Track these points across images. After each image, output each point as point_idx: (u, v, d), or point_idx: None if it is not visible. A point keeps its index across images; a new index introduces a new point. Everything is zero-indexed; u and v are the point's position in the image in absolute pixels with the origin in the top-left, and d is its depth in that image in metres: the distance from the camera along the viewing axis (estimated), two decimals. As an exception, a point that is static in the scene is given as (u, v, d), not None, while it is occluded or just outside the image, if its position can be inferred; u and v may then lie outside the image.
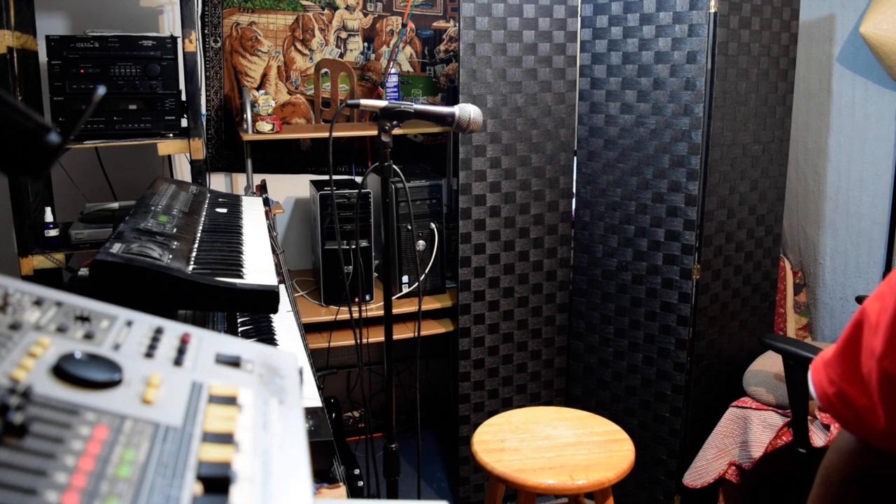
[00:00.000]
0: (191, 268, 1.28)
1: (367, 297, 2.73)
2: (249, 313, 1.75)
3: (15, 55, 2.08)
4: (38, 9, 2.45)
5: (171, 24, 2.71)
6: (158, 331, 0.73)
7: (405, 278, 2.80)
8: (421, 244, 2.77)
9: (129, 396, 0.60)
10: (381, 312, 1.93)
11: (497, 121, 2.52)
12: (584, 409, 2.21)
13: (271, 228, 2.07)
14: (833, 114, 2.85)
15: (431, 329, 2.77)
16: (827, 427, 2.09)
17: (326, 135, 1.86)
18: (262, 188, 2.66)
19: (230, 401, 0.65)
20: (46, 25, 2.52)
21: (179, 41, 2.26)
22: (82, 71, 2.17)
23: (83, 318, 0.69)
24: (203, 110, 2.74)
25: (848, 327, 0.77)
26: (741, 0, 2.39)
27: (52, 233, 2.21)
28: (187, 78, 2.25)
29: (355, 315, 2.49)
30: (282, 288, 1.63)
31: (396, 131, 1.85)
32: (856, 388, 0.75)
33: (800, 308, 2.98)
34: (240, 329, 1.66)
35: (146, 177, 2.65)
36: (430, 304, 2.78)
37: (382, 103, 1.77)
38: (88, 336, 0.67)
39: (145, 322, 0.74)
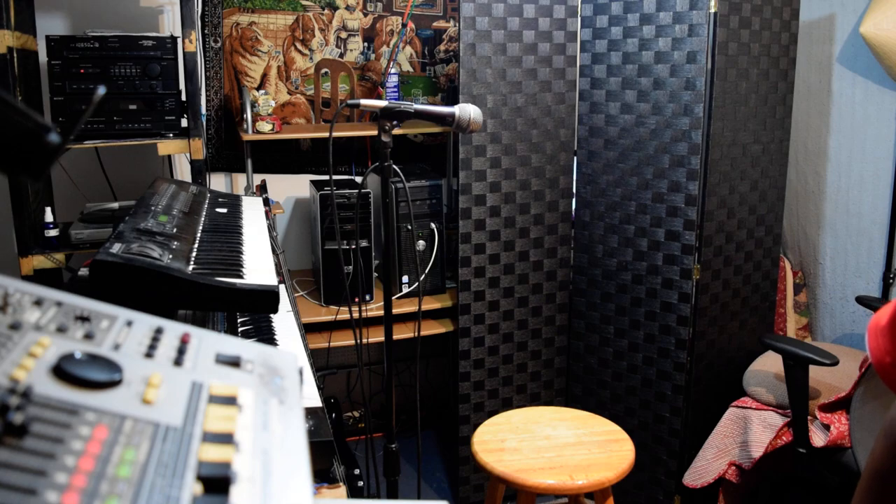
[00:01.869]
0: (191, 268, 1.28)
1: (367, 297, 2.73)
2: (249, 313, 1.75)
3: (15, 55, 2.08)
4: (38, 9, 2.45)
5: (171, 24, 2.71)
6: (158, 331, 0.73)
7: (405, 278, 2.80)
8: (421, 244, 2.77)
9: (129, 396, 0.60)
10: (381, 312, 1.93)
11: (497, 121, 2.52)
12: (584, 409, 2.21)
13: (271, 228, 2.07)
14: (833, 114, 2.85)
15: (431, 329, 2.77)
16: (827, 427, 2.09)
17: (326, 135, 1.86)
18: (262, 188, 2.66)
19: (230, 401, 0.65)
20: (46, 25, 2.52)
21: (179, 41, 2.26)
22: (82, 71, 2.17)
23: (83, 318, 0.69)
24: (203, 110, 2.74)
25: None
26: (741, 0, 2.39)
27: (52, 233, 2.21)
28: (187, 78, 2.25)
29: (355, 315, 2.49)
30: (282, 288, 1.63)
31: (396, 131, 1.85)
32: None
33: (800, 308, 2.98)
34: (240, 329, 1.66)
35: (146, 177, 2.65)
36: (430, 304, 2.78)
37: (382, 103, 1.77)
38: (88, 336, 0.67)
39: (145, 322, 0.74)
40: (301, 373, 0.77)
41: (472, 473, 2.75)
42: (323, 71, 2.99)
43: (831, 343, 2.81)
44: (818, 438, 2.10)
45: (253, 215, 1.87)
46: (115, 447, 0.53)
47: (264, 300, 1.27)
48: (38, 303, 0.68)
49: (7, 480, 0.46)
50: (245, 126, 2.65)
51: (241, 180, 2.97)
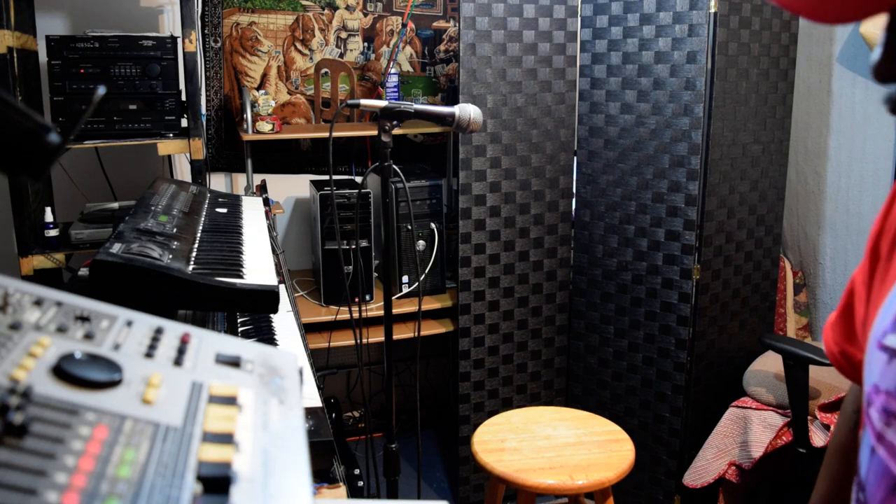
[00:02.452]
0: (191, 268, 1.28)
1: (367, 297, 2.73)
2: (249, 313, 1.75)
3: (15, 55, 2.08)
4: (38, 9, 2.45)
5: (171, 24, 2.71)
6: (158, 331, 0.73)
7: (405, 278, 2.80)
8: (421, 244, 2.77)
9: (129, 396, 0.60)
10: (381, 312, 1.93)
11: (497, 121, 2.52)
12: (584, 409, 2.20)
13: (271, 228, 2.07)
14: (833, 114, 2.85)
15: (431, 329, 2.77)
16: (827, 427, 2.09)
17: (326, 135, 1.86)
18: (262, 188, 2.66)
19: (230, 401, 0.65)
20: (46, 25, 2.52)
21: (179, 41, 2.26)
22: (82, 71, 2.17)
23: (83, 318, 0.69)
24: (203, 110, 2.74)
25: (843, 294, 0.90)
26: (741, 0, 2.39)
27: (52, 233, 2.21)
28: (187, 78, 2.25)
29: (355, 315, 2.49)
30: (282, 288, 1.63)
31: (396, 131, 1.85)
32: (854, 347, 0.87)
33: (800, 308, 2.98)
34: (240, 329, 1.66)
35: (146, 177, 2.65)
36: (430, 304, 2.78)
37: (382, 103, 1.77)
38: (88, 336, 0.67)
39: (145, 322, 0.74)
40: (301, 373, 0.77)
41: (472, 473, 2.75)
42: (323, 71, 2.99)
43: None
44: (818, 438, 2.10)
45: (253, 215, 1.87)
46: (115, 447, 0.53)
47: (264, 300, 1.27)
48: (38, 303, 0.68)
49: (7, 480, 0.46)
50: (245, 126, 2.65)
51: (241, 180, 2.97)
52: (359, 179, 3.01)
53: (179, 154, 2.53)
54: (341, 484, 1.37)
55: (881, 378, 0.69)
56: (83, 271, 1.36)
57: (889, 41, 0.61)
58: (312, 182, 2.83)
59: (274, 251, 1.66)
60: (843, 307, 0.89)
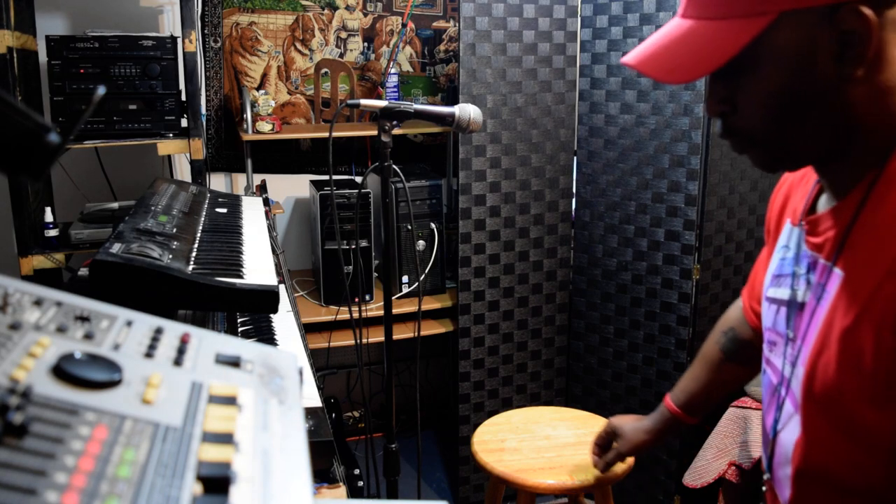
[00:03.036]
0: (191, 268, 1.27)
1: (367, 297, 2.73)
2: (249, 313, 1.75)
3: (15, 55, 2.08)
4: (38, 9, 2.45)
5: (171, 24, 2.71)
6: (158, 331, 0.73)
7: (405, 278, 2.80)
8: (421, 244, 2.77)
9: (129, 396, 0.60)
10: (381, 312, 1.93)
11: (497, 121, 2.52)
12: (584, 409, 2.20)
13: (271, 228, 2.07)
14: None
15: (431, 329, 2.77)
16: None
17: (326, 135, 1.86)
18: (262, 188, 2.66)
19: (230, 401, 0.65)
20: (46, 25, 2.52)
21: (179, 41, 2.27)
22: (82, 71, 2.17)
23: (83, 318, 0.69)
24: (203, 110, 2.74)
25: (753, 267, 1.19)
26: None
27: (52, 233, 2.21)
28: (187, 78, 2.25)
29: (355, 315, 2.48)
30: (282, 288, 1.63)
31: (396, 131, 1.85)
32: (757, 304, 1.16)
33: (800, 308, 2.98)
34: (240, 329, 1.66)
35: (146, 177, 2.65)
36: (430, 304, 2.78)
37: (382, 103, 1.77)
38: (88, 336, 0.67)
39: (145, 322, 0.74)
40: (301, 373, 0.77)
41: (472, 473, 2.75)
42: (323, 71, 2.99)
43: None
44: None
45: (253, 215, 1.87)
46: (115, 447, 0.53)
47: (264, 300, 1.27)
48: (38, 303, 0.68)
49: (7, 480, 0.46)
50: (245, 126, 2.65)
51: (241, 180, 2.97)
52: (359, 179, 3.01)
53: (179, 154, 2.53)
54: (341, 484, 1.37)
55: (766, 319, 0.99)
56: (83, 271, 1.36)
57: (712, 87, 0.83)
58: (312, 182, 2.83)
59: (274, 251, 1.66)
60: (752, 276, 1.20)
